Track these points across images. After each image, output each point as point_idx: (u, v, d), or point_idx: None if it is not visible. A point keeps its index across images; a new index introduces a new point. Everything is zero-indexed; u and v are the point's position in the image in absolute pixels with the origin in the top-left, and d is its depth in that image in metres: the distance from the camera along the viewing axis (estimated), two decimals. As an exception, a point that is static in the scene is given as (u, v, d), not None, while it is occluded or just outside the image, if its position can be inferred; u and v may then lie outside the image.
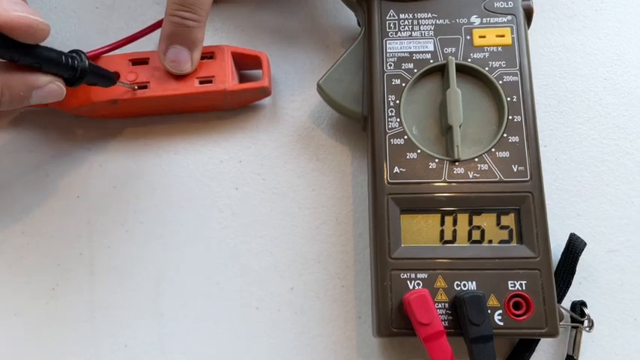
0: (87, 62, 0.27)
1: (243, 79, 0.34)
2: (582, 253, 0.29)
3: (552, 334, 0.25)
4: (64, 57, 0.27)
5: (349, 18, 0.35)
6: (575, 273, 0.28)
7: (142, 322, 0.30)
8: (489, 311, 0.25)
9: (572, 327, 0.28)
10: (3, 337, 0.30)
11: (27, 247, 0.32)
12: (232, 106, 0.33)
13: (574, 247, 0.29)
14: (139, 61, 0.32)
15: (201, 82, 0.31)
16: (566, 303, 0.29)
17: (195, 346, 0.30)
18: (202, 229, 0.32)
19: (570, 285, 0.28)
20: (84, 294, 0.31)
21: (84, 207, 0.32)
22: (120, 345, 0.30)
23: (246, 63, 0.33)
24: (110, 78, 0.29)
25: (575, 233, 0.29)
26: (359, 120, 0.30)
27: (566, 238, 0.29)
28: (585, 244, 0.29)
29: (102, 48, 0.31)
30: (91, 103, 0.31)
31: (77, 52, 0.27)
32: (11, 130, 0.34)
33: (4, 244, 0.32)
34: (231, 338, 0.30)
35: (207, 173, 0.33)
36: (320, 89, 0.30)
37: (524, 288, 0.26)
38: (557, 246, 0.29)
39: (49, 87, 0.27)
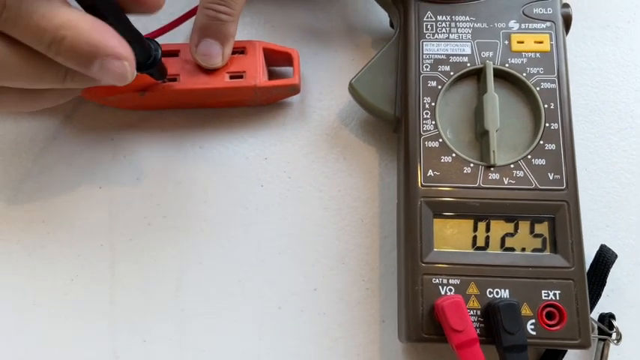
0: (160, 52, 0.27)
1: (272, 75, 0.34)
2: (611, 265, 0.28)
3: (584, 345, 0.25)
4: (147, 40, 0.26)
5: (380, 18, 0.35)
6: (605, 284, 0.28)
7: (162, 317, 0.30)
8: (522, 320, 0.25)
9: (600, 339, 0.28)
10: (21, 327, 0.30)
11: (47, 236, 0.31)
12: (261, 102, 0.33)
13: (605, 258, 0.28)
14: (170, 53, 0.31)
15: (231, 77, 0.31)
16: (594, 315, 0.29)
17: (214, 344, 0.29)
18: (226, 226, 0.31)
19: (600, 297, 0.28)
20: (103, 286, 0.30)
21: (106, 198, 0.32)
22: (138, 339, 0.30)
23: (276, 59, 0.32)
24: (165, 72, 0.29)
25: (606, 245, 0.29)
26: (390, 121, 0.30)
27: (594, 249, 0.29)
28: (616, 256, 0.29)
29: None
30: (119, 93, 0.31)
31: (151, 40, 0.27)
32: (35, 117, 0.33)
33: (24, 232, 0.31)
34: (252, 337, 0.29)
35: (233, 169, 0.32)
36: (352, 89, 0.30)
37: (557, 298, 0.25)
38: (585, 257, 0.28)
39: (122, 64, 0.23)
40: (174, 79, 0.31)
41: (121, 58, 0.23)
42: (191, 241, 0.31)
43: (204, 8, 0.29)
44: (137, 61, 0.26)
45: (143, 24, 0.34)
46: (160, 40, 0.31)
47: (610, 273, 0.29)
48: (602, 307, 0.29)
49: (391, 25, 0.33)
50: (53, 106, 0.27)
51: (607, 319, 0.28)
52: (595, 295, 0.28)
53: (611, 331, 0.28)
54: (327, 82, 0.34)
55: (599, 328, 0.28)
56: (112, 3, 0.23)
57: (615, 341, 0.28)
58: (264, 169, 0.32)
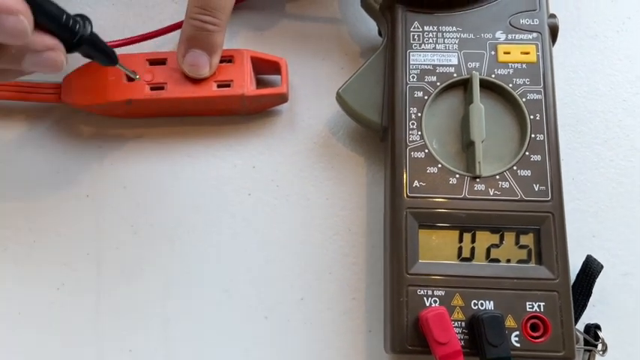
0: (89, 29, 0.24)
1: (260, 83, 0.33)
2: (597, 276, 0.28)
3: (569, 357, 0.25)
4: (65, 15, 0.23)
5: (370, 27, 0.35)
6: (591, 295, 0.28)
7: (148, 327, 0.30)
8: (507, 332, 0.25)
9: (586, 350, 0.28)
10: (6, 336, 0.30)
11: (33, 244, 0.31)
12: (249, 111, 0.33)
13: (591, 269, 0.28)
14: (157, 61, 0.31)
15: (219, 86, 0.31)
16: (580, 326, 0.29)
17: (201, 354, 0.29)
18: (213, 234, 0.31)
19: (586, 307, 0.28)
20: (89, 295, 0.30)
21: (93, 206, 0.32)
22: (124, 349, 0.29)
23: (264, 68, 0.32)
24: (110, 56, 0.27)
25: (592, 255, 0.29)
26: (377, 131, 0.30)
27: (581, 259, 0.29)
28: (602, 266, 0.29)
29: (116, 41, 0.31)
30: (105, 102, 0.31)
31: (83, 16, 0.24)
32: (23, 124, 0.33)
33: (10, 240, 0.31)
34: (239, 347, 0.29)
35: (220, 178, 0.32)
36: (339, 98, 0.30)
37: (542, 310, 0.25)
38: (571, 267, 0.28)
39: (48, 54, 0.23)
40: (162, 88, 0.31)
41: (13, 13, 0.21)
42: (178, 249, 0.31)
43: (190, 19, 0.29)
44: (62, 40, 0.24)
45: (131, 30, 0.34)
46: (149, 48, 0.31)
47: (596, 283, 0.29)
48: (588, 317, 0.29)
49: (380, 34, 0.33)
50: None
51: (593, 330, 0.28)
52: (581, 305, 0.28)
53: (596, 342, 0.28)
54: (316, 91, 0.34)
55: (584, 339, 0.28)
56: None
57: (601, 352, 0.28)
58: (252, 178, 0.32)
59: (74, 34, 0.24)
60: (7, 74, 0.26)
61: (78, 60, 0.31)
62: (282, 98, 0.32)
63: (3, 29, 0.21)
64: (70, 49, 0.24)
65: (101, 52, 0.26)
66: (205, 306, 0.30)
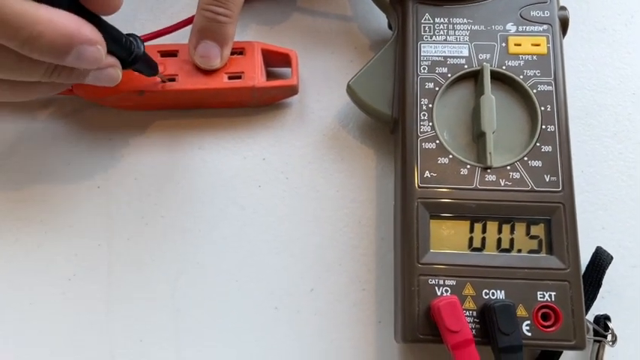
0: (142, 48, 0.27)
1: (270, 76, 0.34)
2: (607, 267, 0.28)
3: (580, 346, 0.25)
4: (124, 39, 0.26)
5: (379, 20, 0.35)
6: (600, 286, 0.28)
7: (159, 317, 0.30)
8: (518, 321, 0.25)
9: (595, 341, 0.28)
10: (18, 326, 0.30)
11: (45, 235, 0.31)
12: (259, 103, 0.33)
13: (600, 260, 0.28)
14: (168, 53, 0.31)
15: (229, 78, 0.31)
16: (589, 317, 0.29)
17: (211, 344, 0.29)
18: (223, 226, 0.31)
19: (595, 298, 0.28)
20: (101, 286, 0.30)
21: (104, 198, 0.32)
22: (135, 339, 0.30)
23: (275, 60, 0.33)
24: (155, 67, 0.29)
25: (602, 247, 0.29)
26: (388, 122, 0.30)
27: (590, 250, 0.29)
28: (612, 257, 0.29)
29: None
30: (117, 93, 0.31)
31: (133, 35, 0.27)
32: (34, 117, 0.33)
33: (22, 231, 0.31)
34: (248, 338, 0.29)
35: (231, 169, 0.32)
36: (350, 90, 0.30)
37: (553, 299, 0.25)
38: (581, 258, 0.29)
39: (108, 71, 0.26)
40: (173, 80, 0.31)
41: (94, 44, 0.23)
42: (189, 241, 0.31)
43: (203, 10, 0.29)
44: (119, 59, 0.26)
45: (142, 23, 0.35)
46: (161, 40, 0.32)
47: (606, 275, 0.29)
48: (597, 308, 0.29)
49: (389, 27, 0.33)
50: (45, 96, 0.28)
51: (602, 321, 0.28)
52: (591, 296, 0.28)
53: (606, 333, 0.28)
54: (326, 83, 0.34)
55: (594, 329, 0.28)
56: (77, 1, 0.23)
57: (610, 343, 0.28)
58: (262, 170, 0.32)
59: (131, 53, 0.26)
60: (65, 86, 0.28)
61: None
62: (292, 90, 0.32)
63: (83, 58, 0.23)
64: (126, 67, 0.27)
65: (148, 66, 0.28)
66: (216, 296, 0.30)
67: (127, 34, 0.26)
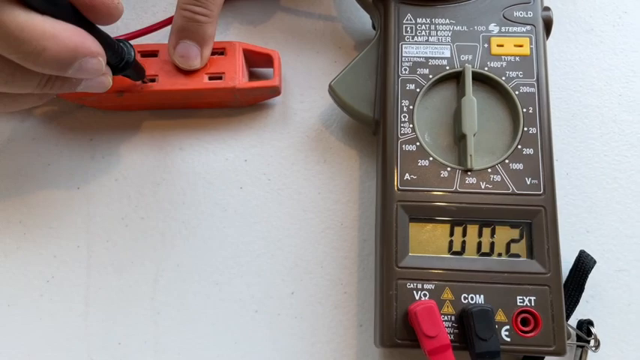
0: (133, 54, 0.27)
1: (252, 76, 0.33)
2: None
3: (559, 352, 0.25)
4: (117, 45, 0.26)
5: (363, 21, 0.34)
6: (583, 291, 0.28)
7: (137, 320, 0.30)
8: (497, 326, 0.25)
9: (578, 346, 0.28)
10: (-6, 329, 0.29)
11: (24, 236, 0.31)
12: (241, 103, 0.32)
13: (583, 264, 0.28)
14: (148, 53, 0.31)
15: (210, 78, 0.31)
16: (572, 321, 0.28)
17: (190, 347, 0.29)
18: (204, 228, 0.31)
19: (578, 303, 0.28)
20: (79, 288, 0.30)
21: (84, 199, 0.32)
22: (113, 342, 0.29)
23: (257, 60, 0.32)
24: (143, 73, 0.29)
25: (585, 250, 0.29)
26: (370, 124, 0.30)
27: (574, 254, 0.29)
28: (595, 261, 0.28)
29: (117, 37, 0.31)
30: (96, 94, 0.30)
31: (125, 42, 0.27)
32: (14, 117, 0.33)
33: (0, 232, 0.31)
34: (228, 341, 0.29)
35: (212, 171, 0.32)
36: (332, 90, 0.30)
37: (532, 304, 0.25)
38: (564, 262, 0.28)
39: (100, 79, 0.26)
40: (153, 80, 0.30)
41: (95, 56, 0.24)
42: (169, 243, 0.31)
43: (181, 9, 0.29)
44: (110, 65, 0.26)
45: (125, 23, 0.34)
46: (140, 39, 0.31)
47: (590, 279, 0.28)
48: (581, 313, 0.29)
49: (374, 27, 0.33)
50: (31, 107, 0.27)
51: (585, 326, 0.28)
52: (573, 301, 0.28)
53: (589, 338, 0.28)
54: (309, 84, 0.33)
55: (577, 334, 0.28)
56: (78, 11, 0.23)
57: (593, 348, 0.28)
58: (244, 171, 0.32)
59: (121, 59, 0.26)
60: (51, 96, 0.28)
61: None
62: (275, 91, 0.32)
63: (85, 70, 0.23)
64: (116, 73, 0.27)
65: (136, 72, 0.28)
66: (195, 299, 0.30)
67: (117, 40, 0.26)
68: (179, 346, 0.29)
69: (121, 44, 0.26)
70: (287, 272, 0.30)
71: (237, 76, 0.31)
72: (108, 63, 0.26)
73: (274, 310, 0.30)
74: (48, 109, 0.33)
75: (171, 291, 0.30)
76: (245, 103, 0.33)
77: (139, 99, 0.31)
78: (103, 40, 0.24)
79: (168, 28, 0.31)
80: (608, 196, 0.31)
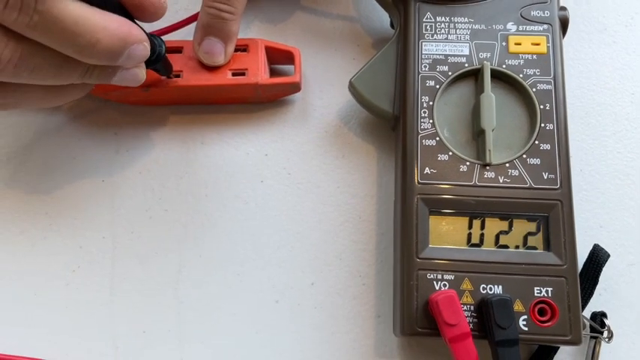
0: (164, 48, 0.27)
1: (273, 73, 0.34)
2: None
3: (575, 342, 0.25)
4: (149, 37, 0.26)
5: (381, 19, 0.35)
6: (597, 283, 0.29)
7: (161, 309, 0.30)
8: (515, 316, 0.25)
9: (592, 337, 0.29)
10: (22, 316, 0.30)
11: (50, 227, 0.32)
12: (262, 99, 0.33)
13: (597, 257, 0.29)
14: (173, 49, 0.32)
15: (233, 74, 0.31)
16: (586, 313, 0.29)
17: (212, 335, 0.30)
18: (226, 220, 0.32)
19: (592, 295, 0.29)
20: (104, 278, 0.31)
21: (109, 191, 0.32)
22: (138, 331, 0.30)
23: (278, 57, 0.33)
24: (170, 68, 0.30)
25: (599, 244, 0.29)
26: (389, 119, 0.31)
27: (588, 248, 0.29)
28: (609, 255, 0.29)
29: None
30: (122, 89, 0.31)
31: (157, 37, 0.27)
32: (42, 111, 0.34)
33: (27, 223, 0.32)
34: (249, 330, 0.30)
35: (233, 164, 0.33)
36: (352, 87, 0.31)
37: (549, 295, 0.26)
38: (578, 256, 0.29)
39: (134, 70, 0.26)
40: (178, 76, 0.31)
41: (142, 42, 0.24)
42: (191, 234, 0.31)
43: (207, 7, 0.29)
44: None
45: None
46: (166, 37, 0.32)
47: (603, 272, 0.29)
48: (594, 305, 0.30)
49: (392, 25, 0.34)
50: (73, 100, 0.28)
51: (599, 318, 0.29)
52: (588, 293, 0.28)
53: (602, 329, 0.28)
54: (328, 80, 0.34)
55: (590, 325, 0.28)
56: (120, 3, 0.24)
57: (607, 339, 0.28)
58: (265, 165, 0.33)
59: (154, 52, 0.27)
60: (85, 88, 0.28)
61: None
62: (295, 87, 0.32)
63: (134, 57, 0.24)
64: (148, 66, 0.27)
65: (165, 67, 0.29)
66: (218, 289, 0.31)
67: (151, 35, 0.27)
68: (202, 335, 0.30)
69: (153, 38, 0.27)
70: (307, 264, 0.31)
71: (260, 73, 0.31)
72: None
73: (294, 300, 0.30)
74: (74, 105, 0.34)
75: (194, 281, 0.31)
76: (266, 99, 0.33)
77: (164, 94, 0.32)
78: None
79: (192, 25, 0.32)
80: (621, 192, 0.32)
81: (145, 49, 0.25)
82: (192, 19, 0.32)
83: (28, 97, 0.25)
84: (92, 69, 0.24)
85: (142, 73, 0.27)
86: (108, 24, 0.22)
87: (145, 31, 0.26)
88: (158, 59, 0.27)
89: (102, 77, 0.25)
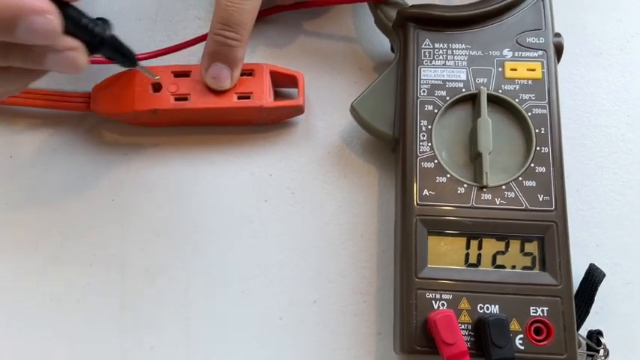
0: (109, 32, 0.26)
1: (277, 96, 0.35)
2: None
3: (571, 360, 0.26)
4: (84, 18, 0.25)
5: (382, 43, 0.36)
6: (593, 302, 0.29)
7: (169, 325, 0.31)
8: (511, 335, 0.26)
9: (588, 355, 0.29)
10: (35, 331, 0.31)
11: (62, 245, 0.33)
12: (267, 121, 0.34)
13: (593, 277, 0.29)
14: (181, 73, 0.33)
15: (239, 98, 0.33)
16: (583, 331, 0.30)
17: (218, 351, 0.31)
18: (232, 239, 0.33)
19: (588, 314, 0.29)
20: (114, 294, 0.32)
21: (119, 210, 0.33)
22: (146, 346, 0.31)
23: (282, 81, 0.34)
24: (131, 58, 0.28)
25: (595, 264, 0.30)
26: (389, 142, 0.32)
27: (585, 267, 0.30)
28: (604, 274, 0.30)
29: (145, 54, 0.33)
30: (132, 111, 0.32)
31: (103, 19, 0.26)
32: (52, 131, 0.35)
33: (39, 241, 0.33)
34: (254, 346, 0.31)
35: (239, 184, 0.34)
36: (353, 110, 0.32)
37: (545, 314, 0.26)
38: (575, 275, 0.30)
39: (67, 54, 0.24)
40: (185, 99, 0.32)
41: (43, 13, 0.22)
42: (198, 252, 0.32)
43: (214, 34, 0.31)
44: (85, 42, 0.25)
45: (156, 44, 0.36)
46: (174, 62, 0.33)
47: (599, 291, 0.30)
48: (591, 324, 0.30)
49: (392, 49, 0.35)
50: (20, 90, 0.27)
51: (595, 336, 0.29)
52: (584, 312, 0.29)
53: (598, 348, 0.29)
54: (331, 103, 0.35)
55: (587, 344, 0.29)
56: None
57: (603, 357, 0.29)
58: (269, 185, 0.34)
59: (95, 36, 0.25)
60: (31, 75, 0.27)
61: (107, 71, 0.33)
62: (299, 110, 0.34)
63: (34, 30, 0.22)
64: (92, 51, 0.26)
65: (121, 54, 0.27)
66: (224, 306, 0.31)
67: (95, 18, 0.25)
68: (208, 350, 0.31)
69: (98, 21, 0.25)
70: (310, 281, 0.32)
71: (265, 96, 0.33)
72: (82, 41, 0.25)
73: (298, 317, 0.31)
74: (85, 125, 0.35)
75: (201, 298, 0.32)
76: (270, 121, 0.35)
77: (172, 116, 0.33)
78: (66, 10, 0.24)
79: (197, 49, 0.33)
80: (617, 212, 0.33)
81: (48, 22, 0.22)
82: (196, 40, 0.33)
83: None
84: (11, 48, 0.23)
85: (79, 58, 0.25)
86: None
87: (80, 12, 0.25)
88: (101, 43, 0.25)
89: (29, 59, 0.24)
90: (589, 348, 0.29)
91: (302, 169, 0.34)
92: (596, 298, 0.29)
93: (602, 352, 0.29)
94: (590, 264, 0.30)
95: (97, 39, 0.25)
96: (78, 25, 0.25)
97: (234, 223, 0.33)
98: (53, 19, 0.23)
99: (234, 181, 0.34)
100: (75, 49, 0.25)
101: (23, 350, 0.31)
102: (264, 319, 0.31)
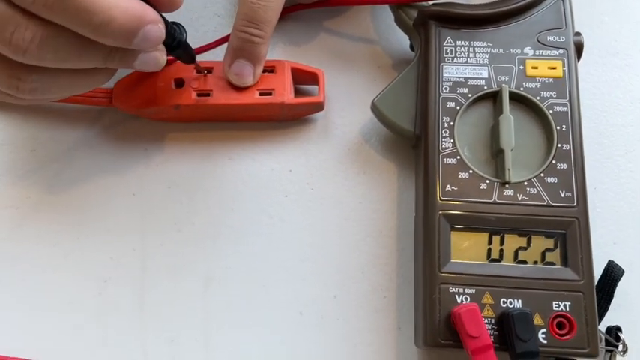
0: (185, 35, 0.29)
1: (298, 92, 0.35)
2: (618, 280, 0.30)
3: (593, 354, 0.26)
4: (168, 23, 0.27)
5: (400, 41, 0.37)
6: (612, 298, 0.29)
7: (189, 319, 0.31)
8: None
9: (607, 350, 0.29)
10: (54, 325, 0.31)
11: (82, 239, 0.33)
12: (287, 118, 0.35)
13: (612, 273, 0.30)
14: (204, 69, 0.33)
15: (260, 94, 0.33)
16: (601, 327, 0.30)
17: (238, 345, 0.31)
18: (251, 234, 0.33)
19: (607, 309, 0.29)
20: (134, 288, 0.32)
21: (139, 205, 0.34)
22: (166, 339, 0.31)
23: (303, 78, 0.34)
24: (193, 56, 0.31)
25: (613, 260, 0.30)
26: (410, 138, 0.32)
27: (603, 264, 0.30)
28: (623, 271, 0.30)
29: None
30: (154, 107, 0.33)
31: (178, 24, 0.28)
32: (76, 126, 0.35)
33: (61, 235, 0.33)
34: (274, 341, 0.31)
35: (259, 180, 0.34)
36: (374, 107, 0.32)
37: (567, 309, 0.27)
38: (594, 271, 0.30)
39: (154, 54, 0.27)
40: (208, 94, 0.33)
41: (157, 23, 0.25)
42: (218, 247, 0.33)
43: (238, 31, 0.31)
44: (164, 44, 0.27)
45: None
46: (198, 58, 0.33)
47: (618, 287, 0.30)
48: (609, 319, 0.30)
49: (411, 48, 0.35)
50: (98, 86, 0.29)
51: (614, 332, 0.29)
52: (603, 307, 0.29)
53: (617, 343, 0.29)
54: (350, 100, 0.36)
55: (606, 339, 0.29)
56: None
57: (621, 352, 0.29)
58: (289, 181, 0.34)
59: (174, 38, 0.28)
60: (110, 74, 0.29)
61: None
62: (319, 107, 0.34)
63: (149, 38, 0.25)
64: (169, 51, 0.28)
65: (188, 54, 0.30)
66: (244, 300, 0.32)
67: (172, 22, 0.28)
68: (228, 344, 0.31)
69: (173, 25, 0.28)
70: (330, 277, 0.32)
71: (286, 92, 0.33)
72: (164, 42, 0.27)
73: (318, 312, 0.31)
74: (106, 121, 0.35)
75: (221, 292, 0.32)
76: (290, 118, 0.35)
77: (194, 112, 0.33)
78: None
79: (221, 46, 0.33)
80: (634, 209, 0.33)
81: (159, 30, 0.25)
82: (222, 41, 0.33)
83: (56, 81, 0.26)
84: (114, 52, 0.25)
85: (162, 58, 0.27)
86: (121, 3, 0.23)
87: (163, 17, 0.27)
88: (178, 45, 0.28)
89: (124, 61, 0.26)
90: (608, 343, 0.29)
91: (321, 165, 0.34)
92: (614, 294, 0.30)
93: (620, 347, 0.29)
94: (609, 260, 0.30)
95: (176, 42, 0.28)
96: (166, 28, 0.27)
97: (254, 218, 0.33)
98: (162, 27, 0.26)
99: (254, 176, 0.34)
100: (160, 49, 0.27)
101: (44, 344, 0.31)
102: (285, 314, 0.31)
